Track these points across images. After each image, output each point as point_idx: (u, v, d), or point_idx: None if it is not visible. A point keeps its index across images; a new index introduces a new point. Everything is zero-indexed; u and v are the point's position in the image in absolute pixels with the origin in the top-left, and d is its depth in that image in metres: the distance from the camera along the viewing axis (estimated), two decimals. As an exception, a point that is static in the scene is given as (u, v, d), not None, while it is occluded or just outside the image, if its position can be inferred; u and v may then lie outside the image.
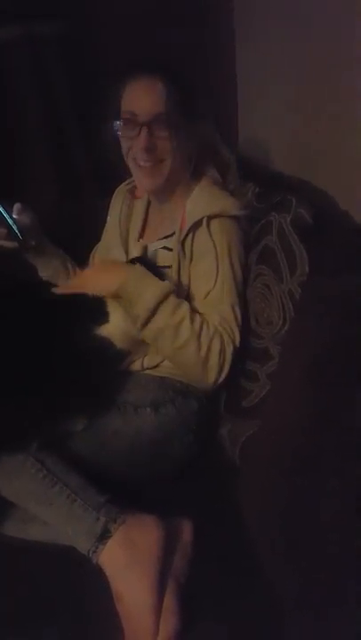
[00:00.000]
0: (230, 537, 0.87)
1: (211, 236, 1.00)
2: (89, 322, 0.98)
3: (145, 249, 1.10)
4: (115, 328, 0.98)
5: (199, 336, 0.95)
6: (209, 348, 0.95)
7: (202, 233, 1.01)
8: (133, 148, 1.00)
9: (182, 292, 1.02)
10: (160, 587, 0.78)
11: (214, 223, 1.01)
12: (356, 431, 0.70)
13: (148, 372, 1.08)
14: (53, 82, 1.37)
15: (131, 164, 1.04)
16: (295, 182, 1.07)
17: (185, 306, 0.96)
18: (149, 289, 0.94)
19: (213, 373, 0.96)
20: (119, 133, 1.01)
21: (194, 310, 0.98)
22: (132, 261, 1.06)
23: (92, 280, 1.02)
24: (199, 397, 1.06)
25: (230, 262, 1.01)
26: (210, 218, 1.00)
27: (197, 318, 0.96)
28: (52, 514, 0.85)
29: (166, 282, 0.96)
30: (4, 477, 0.88)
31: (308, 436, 0.76)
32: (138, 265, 0.98)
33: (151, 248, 1.10)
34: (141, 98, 0.97)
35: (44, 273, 1.19)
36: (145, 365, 1.07)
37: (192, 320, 0.95)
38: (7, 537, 0.91)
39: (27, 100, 1.35)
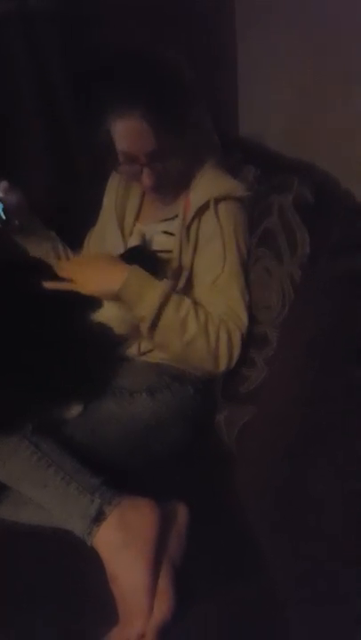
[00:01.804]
0: (226, 520, 0.87)
1: (218, 220, 1.00)
2: (84, 305, 0.97)
3: (142, 235, 1.09)
4: (110, 313, 0.98)
5: (206, 327, 0.95)
6: (217, 338, 0.95)
7: (209, 216, 1.00)
8: (135, 177, 1.01)
9: (183, 279, 1.02)
10: (154, 568, 0.78)
11: (221, 206, 1.00)
12: (353, 413, 0.69)
13: (144, 357, 1.07)
14: (49, 61, 1.34)
15: (132, 179, 1.05)
16: (296, 163, 1.06)
17: (187, 301, 0.97)
18: (150, 290, 0.94)
19: (224, 361, 0.97)
20: (121, 171, 1.02)
21: (199, 297, 0.99)
22: (131, 249, 1.05)
23: (89, 280, 0.98)
24: (195, 383, 1.06)
25: (237, 246, 1.01)
26: (217, 201, 0.99)
27: (201, 310, 0.97)
28: (47, 496, 0.85)
29: (165, 280, 0.96)
30: (-1, 460, 0.87)
31: (306, 418, 0.76)
32: (136, 266, 0.96)
33: (149, 231, 1.09)
34: (132, 140, 0.94)
35: (35, 254, 1.17)
36: (142, 350, 1.06)
37: (196, 313, 0.95)
38: (1, 519, 0.90)
39: (21, 80, 1.32)
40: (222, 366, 0.98)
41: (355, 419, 0.70)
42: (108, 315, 0.98)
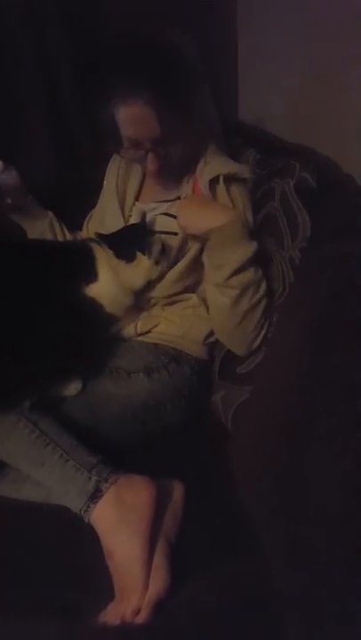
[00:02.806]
0: (221, 499, 0.88)
1: (231, 197, 0.99)
2: (78, 278, 0.96)
3: (143, 214, 1.09)
4: (103, 289, 0.97)
5: (266, 295, 0.96)
6: (264, 309, 0.97)
7: (220, 195, 1.00)
8: (139, 161, 1.00)
9: (191, 264, 1.02)
10: (150, 544, 0.79)
11: (232, 186, 1.00)
12: (350, 393, 0.70)
13: (141, 338, 1.08)
14: (51, 44, 1.32)
15: (135, 162, 1.05)
16: (297, 148, 1.06)
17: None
18: (246, 242, 0.93)
19: (261, 336, 0.98)
20: (124, 155, 1.01)
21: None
22: (131, 227, 1.05)
23: (191, 211, 0.98)
24: (192, 364, 1.06)
25: (247, 223, 1.00)
26: (226, 179, 0.99)
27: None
28: (45, 473, 0.85)
29: (255, 242, 0.95)
30: (-3, 438, 0.88)
31: (302, 398, 0.76)
32: (241, 215, 0.97)
33: (150, 212, 1.09)
34: (137, 126, 0.93)
35: (31, 234, 1.17)
36: (138, 331, 1.07)
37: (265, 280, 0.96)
38: (0, 497, 0.91)
39: (22, 63, 1.31)
40: (257, 342, 0.98)
41: (352, 401, 0.70)
42: (100, 290, 0.97)
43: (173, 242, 1.03)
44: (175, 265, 1.04)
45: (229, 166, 1.00)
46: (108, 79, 0.92)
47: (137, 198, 1.14)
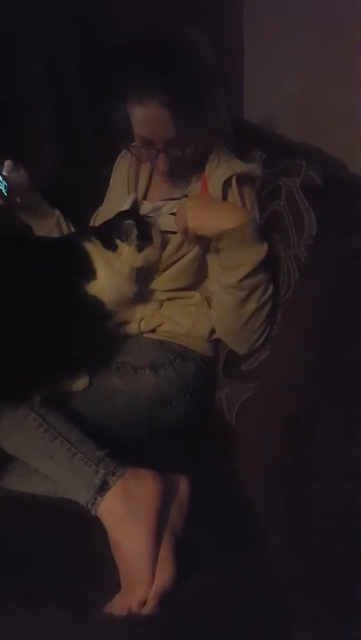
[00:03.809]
0: (226, 493, 0.88)
1: (241, 197, 0.99)
2: (78, 277, 0.97)
3: (134, 200, 1.10)
4: (104, 285, 0.98)
5: (272, 296, 0.96)
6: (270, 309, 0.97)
7: (231, 195, 0.99)
8: (150, 160, 1.01)
9: (193, 261, 1.03)
10: (156, 537, 0.80)
11: (242, 185, 0.99)
12: (354, 390, 0.70)
13: (146, 335, 1.09)
14: (58, 44, 1.33)
15: (145, 161, 1.05)
16: (302, 147, 1.06)
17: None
18: (258, 244, 0.93)
19: (264, 335, 0.98)
20: (135, 153, 1.01)
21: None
22: (119, 215, 1.05)
23: (204, 213, 0.95)
24: (197, 360, 1.07)
25: None
26: (238, 180, 0.99)
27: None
28: (53, 467, 0.86)
29: (265, 242, 0.94)
30: (6, 431, 0.89)
31: (306, 395, 0.76)
32: (256, 216, 0.96)
33: (158, 211, 1.09)
34: (151, 126, 0.92)
35: (39, 232, 1.18)
36: (142, 329, 1.08)
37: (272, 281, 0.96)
38: (7, 490, 0.93)
39: (30, 60, 1.32)
40: (260, 341, 0.99)
41: (356, 397, 0.71)
42: (100, 287, 0.98)
43: (176, 239, 1.03)
44: (177, 262, 1.05)
45: (242, 166, 1.00)
46: (124, 78, 0.91)
47: (145, 197, 1.15)
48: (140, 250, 1.00)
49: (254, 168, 1.01)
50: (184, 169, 1.04)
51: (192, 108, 0.90)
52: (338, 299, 0.78)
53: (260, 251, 0.92)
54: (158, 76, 0.88)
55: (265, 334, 0.98)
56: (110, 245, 0.99)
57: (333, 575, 0.64)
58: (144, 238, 1.00)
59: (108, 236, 1.00)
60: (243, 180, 1.00)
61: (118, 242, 0.99)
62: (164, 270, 1.07)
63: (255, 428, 0.90)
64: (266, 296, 0.95)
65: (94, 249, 1.00)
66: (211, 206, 0.97)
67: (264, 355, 0.98)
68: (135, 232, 0.98)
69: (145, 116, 0.92)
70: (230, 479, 0.89)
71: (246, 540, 0.81)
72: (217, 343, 1.11)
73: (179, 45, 0.91)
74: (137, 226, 0.98)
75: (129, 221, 0.98)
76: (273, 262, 0.98)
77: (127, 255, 0.99)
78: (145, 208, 1.11)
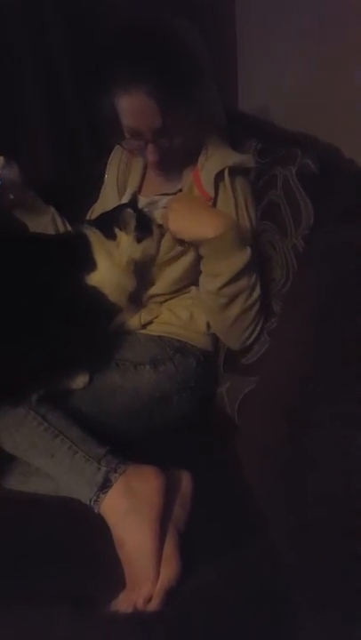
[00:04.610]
0: (229, 488, 0.88)
1: (233, 191, 0.99)
2: (77, 268, 0.96)
3: (134, 194, 1.09)
4: (104, 276, 0.97)
5: (260, 297, 0.96)
6: (258, 312, 0.97)
7: (222, 187, 0.99)
8: (140, 152, 1.00)
9: (193, 262, 1.02)
10: (160, 533, 0.80)
11: (233, 177, 0.99)
12: (353, 381, 0.70)
13: (145, 331, 1.08)
14: (51, 39, 1.32)
15: (136, 154, 1.04)
16: (298, 136, 1.05)
17: (256, 269, 0.96)
18: (239, 252, 0.92)
19: (255, 333, 0.98)
20: (125, 146, 1.01)
21: None
22: (119, 207, 1.05)
23: (185, 219, 0.95)
24: (197, 355, 1.07)
25: (249, 219, 1.01)
26: (231, 172, 0.98)
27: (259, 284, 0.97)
28: (54, 465, 0.86)
29: (250, 248, 0.94)
30: (6, 431, 0.89)
31: (305, 387, 0.76)
32: (236, 222, 0.96)
33: (152, 205, 1.09)
34: (138, 116, 0.92)
35: (34, 230, 1.17)
36: (143, 321, 1.07)
37: (258, 285, 0.96)
38: (9, 490, 0.92)
39: (22, 55, 1.31)
40: (251, 339, 0.99)
41: (354, 388, 0.70)
42: (101, 278, 0.97)
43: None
44: (177, 261, 1.04)
45: (234, 157, 0.99)
46: (109, 68, 0.91)
47: (139, 192, 1.14)
48: (138, 240, 0.99)
49: (247, 159, 1.00)
50: (176, 161, 1.03)
51: (179, 98, 0.90)
52: (336, 288, 0.77)
53: (241, 259, 0.92)
54: (144, 65, 0.87)
55: (256, 332, 0.98)
56: (109, 234, 0.99)
57: (334, 564, 0.64)
58: (143, 229, 1.00)
59: (108, 224, 0.99)
60: (236, 171, 0.99)
61: (117, 231, 0.99)
62: (163, 267, 1.07)
63: (256, 422, 0.89)
64: (250, 301, 0.95)
65: (95, 237, 0.99)
66: (193, 212, 0.96)
67: (264, 348, 0.97)
68: (134, 222, 0.98)
69: (131, 106, 0.91)
70: (233, 473, 0.89)
71: (250, 535, 0.81)
72: (217, 337, 1.10)
73: (166, 35, 0.90)
74: (137, 217, 0.98)
75: (128, 210, 0.97)
76: (270, 253, 0.97)
77: (126, 245, 0.99)
78: (140, 202, 1.10)
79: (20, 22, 1.26)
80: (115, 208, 1.05)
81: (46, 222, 1.17)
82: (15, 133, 1.31)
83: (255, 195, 1.02)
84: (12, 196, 1.07)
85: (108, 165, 1.21)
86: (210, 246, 0.92)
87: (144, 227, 1.00)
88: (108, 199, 1.17)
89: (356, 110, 1.00)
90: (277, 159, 0.99)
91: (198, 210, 0.97)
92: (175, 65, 0.89)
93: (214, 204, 1.00)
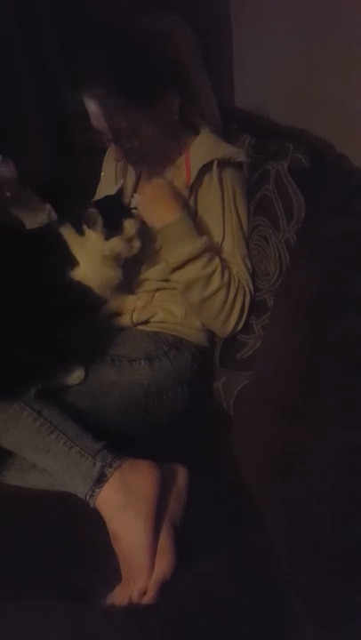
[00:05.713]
0: (225, 482, 0.88)
1: (220, 184, 1.00)
2: (61, 264, 0.96)
3: (120, 186, 1.07)
4: (86, 270, 0.97)
5: (228, 287, 0.98)
6: (234, 299, 0.99)
7: (209, 180, 1.00)
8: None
9: None
10: (155, 527, 0.80)
11: (222, 170, 1.00)
12: (346, 374, 0.70)
13: (140, 327, 1.09)
14: (45, 36, 1.33)
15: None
16: (290, 130, 1.05)
17: (217, 260, 0.98)
18: (186, 243, 0.96)
19: (233, 323, 1.00)
20: (97, 142, 1.04)
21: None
22: (102, 200, 1.05)
23: (149, 206, 1.00)
24: (193, 351, 1.07)
25: (237, 213, 1.01)
26: (219, 163, 0.99)
27: (227, 271, 0.99)
28: (50, 460, 0.86)
29: (204, 237, 0.98)
30: (2, 427, 0.89)
31: (300, 380, 0.76)
32: (186, 215, 0.98)
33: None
34: (94, 117, 0.95)
35: (30, 226, 1.17)
36: (135, 321, 1.07)
37: (223, 272, 0.98)
38: (6, 485, 0.93)
39: (17, 56, 1.32)
40: (230, 327, 1.01)
41: (348, 382, 0.71)
42: (84, 274, 0.96)
43: None
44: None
45: (223, 150, 1.00)
46: (75, 67, 0.95)
47: (135, 189, 1.14)
48: (106, 238, 0.96)
49: (237, 153, 1.01)
50: (156, 156, 1.04)
51: (139, 99, 0.92)
52: (329, 283, 0.78)
53: (187, 249, 0.96)
54: (97, 70, 0.91)
55: (242, 320, 1.00)
56: (79, 230, 0.97)
57: (331, 558, 0.64)
58: (112, 227, 0.96)
59: (78, 221, 0.98)
60: (225, 164, 1.00)
61: (85, 228, 0.96)
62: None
63: (252, 417, 0.90)
64: (210, 289, 0.97)
65: (69, 234, 0.98)
66: (152, 201, 1.01)
67: (259, 343, 0.98)
68: (100, 220, 0.94)
69: (89, 106, 0.95)
70: (229, 468, 0.89)
71: (245, 528, 0.81)
72: (212, 333, 1.10)
73: (134, 38, 0.92)
74: (106, 214, 0.95)
75: (92, 210, 0.95)
76: (263, 247, 0.97)
77: (94, 241, 0.96)
78: (135, 200, 1.10)
79: (16, 19, 1.27)
80: (90, 203, 1.03)
81: (42, 219, 1.17)
82: (11, 131, 1.31)
83: (247, 189, 1.03)
84: (8, 194, 1.08)
85: (104, 162, 1.21)
86: (160, 235, 0.99)
87: (113, 224, 0.97)
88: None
89: (348, 106, 1.00)
90: (270, 154, 0.99)
91: (157, 200, 1.01)
92: (135, 70, 0.91)
93: (194, 193, 1.02)
